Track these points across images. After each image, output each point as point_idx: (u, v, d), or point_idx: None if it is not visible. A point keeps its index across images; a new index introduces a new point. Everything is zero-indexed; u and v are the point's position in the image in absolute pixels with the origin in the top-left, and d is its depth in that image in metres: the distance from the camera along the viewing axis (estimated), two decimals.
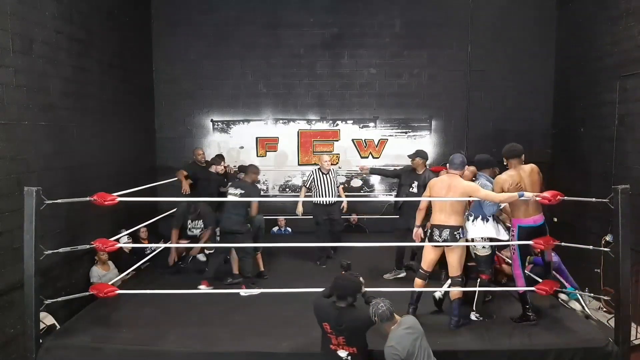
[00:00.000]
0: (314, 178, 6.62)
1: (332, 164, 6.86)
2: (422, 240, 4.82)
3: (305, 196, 6.69)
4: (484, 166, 4.86)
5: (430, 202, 4.67)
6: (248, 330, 4.45)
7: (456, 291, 4.51)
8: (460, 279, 4.56)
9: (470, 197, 4.42)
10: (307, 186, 6.70)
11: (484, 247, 4.65)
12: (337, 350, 3.60)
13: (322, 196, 6.51)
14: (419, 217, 4.81)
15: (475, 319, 4.68)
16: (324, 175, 6.56)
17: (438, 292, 4.87)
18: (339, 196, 6.65)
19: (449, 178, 4.54)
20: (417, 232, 4.85)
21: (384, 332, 3.55)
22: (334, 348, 3.62)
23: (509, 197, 4.34)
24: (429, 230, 4.62)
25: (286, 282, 5.80)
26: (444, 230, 4.45)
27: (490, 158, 4.97)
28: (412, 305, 4.63)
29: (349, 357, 3.58)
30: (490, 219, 4.58)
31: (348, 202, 6.78)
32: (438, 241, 4.49)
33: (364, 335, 3.63)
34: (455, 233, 4.43)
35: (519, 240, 4.51)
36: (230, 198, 5.68)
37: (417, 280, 4.69)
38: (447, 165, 4.69)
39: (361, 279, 3.86)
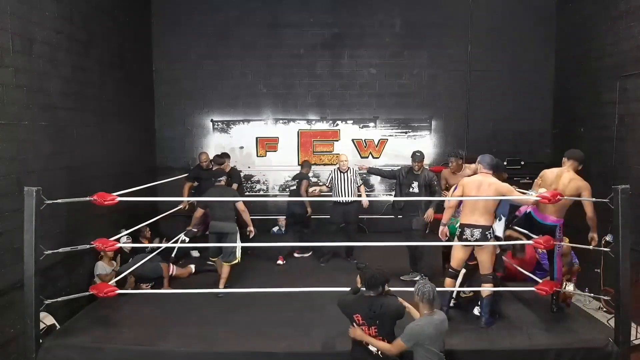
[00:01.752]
0: (332, 177, 6.69)
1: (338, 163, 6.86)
2: (448, 240, 4.86)
3: (326, 195, 6.86)
4: (495, 169, 4.84)
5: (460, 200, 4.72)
6: (248, 330, 4.45)
7: (488, 289, 4.54)
8: (491, 277, 4.57)
9: (504, 196, 4.44)
10: (328, 185, 6.78)
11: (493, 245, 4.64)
12: (369, 345, 3.65)
13: (340, 195, 6.55)
14: (447, 215, 4.83)
15: (478, 314, 4.72)
16: (342, 175, 6.60)
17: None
18: (359, 195, 6.67)
19: (483, 177, 4.57)
20: (443, 230, 4.85)
21: (416, 314, 3.70)
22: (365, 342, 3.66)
23: (527, 199, 4.50)
24: (459, 230, 4.60)
25: (286, 282, 5.80)
26: (476, 229, 4.46)
27: (502, 163, 5.06)
28: (445, 307, 4.58)
29: (380, 352, 3.61)
30: (503, 218, 4.65)
31: (367, 200, 6.81)
32: (470, 240, 4.49)
33: (393, 327, 3.70)
34: (486, 233, 4.45)
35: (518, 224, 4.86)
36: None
37: (447, 280, 4.73)
38: (478, 164, 4.72)
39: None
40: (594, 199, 4.42)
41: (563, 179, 4.69)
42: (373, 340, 3.62)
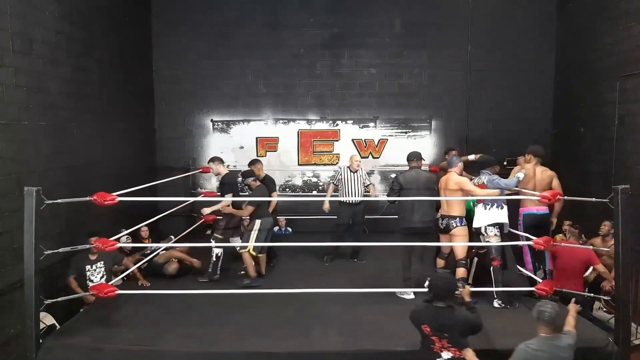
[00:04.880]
0: (341, 176, 6.57)
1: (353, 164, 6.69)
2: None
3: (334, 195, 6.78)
4: (486, 165, 5.27)
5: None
6: (248, 330, 4.45)
7: (461, 272, 5.07)
8: (464, 262, 5.10)
9: (460, 188, 5.04)
10: (335, 183, 6.68)
11: (495, 235, 5.01)
12: (441, 352, 3.46)
13: (349, 195, 6.46)
14: None
15: (499, 306, 4.93)
16: (353, 174, 6.49)
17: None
18: (368, 195, 6.63)
19: (447, 175, 5.25)
20: None
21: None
22: (437, 350, 3.48)
23: (490, 193, 4.95)
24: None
25: (286, 282, 5.81)
26: (445, 219, 5.13)
27: (492, 158, 5.42)
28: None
29: None
30: (505, 206, 5.05)
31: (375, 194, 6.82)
32: (441, 228, 5.17)
33: (466, 340, 3.50)
34: (452, 221, 5.06)
35: (524, 227, 5.28)
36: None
37: (439, 260, 5.41)
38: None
39: (459, 283, 3.86)
40: (594, 198, 4.41)
41: (537, 173, 5.39)
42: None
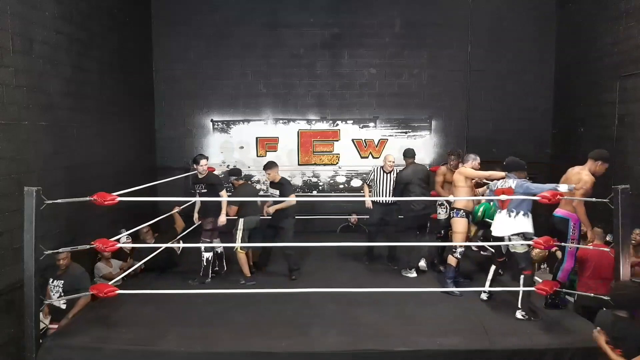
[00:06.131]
0: (374, 176, 6.46)
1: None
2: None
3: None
4: (513, 168, 5.01)
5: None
6: (248, 330, 4.45)
7: (451, 260, 5.47)
8: (453, 252, 5.44)
9: (465, 177, 5.46)
10: (369, 183, 6.55)
11: (522, 245, 4.69)
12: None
13: (381, 195, 6.37)
14: None
15: (522, 317, 4.67)
16: (386, 175, 6.38)
17: (422, 262, 6.02)
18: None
19: (458, 170, 5.65)
20: None
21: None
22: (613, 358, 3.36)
23: (479, 174, 5.44)
24: None
25: (286, 282, 5.81)
26: (452, 211, 5.64)
27: (520, 161, 5.11)
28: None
29: None
30: (530, 215, 4.70)
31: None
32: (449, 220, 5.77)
33: None
34: (451, 212, 5.61)
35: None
36: None
37: (450, 257, 5.55)
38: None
39: None
40: (593, 198, 4.41)
41: (574, 174, 4.98)
42: (610, 353, 3.30)
